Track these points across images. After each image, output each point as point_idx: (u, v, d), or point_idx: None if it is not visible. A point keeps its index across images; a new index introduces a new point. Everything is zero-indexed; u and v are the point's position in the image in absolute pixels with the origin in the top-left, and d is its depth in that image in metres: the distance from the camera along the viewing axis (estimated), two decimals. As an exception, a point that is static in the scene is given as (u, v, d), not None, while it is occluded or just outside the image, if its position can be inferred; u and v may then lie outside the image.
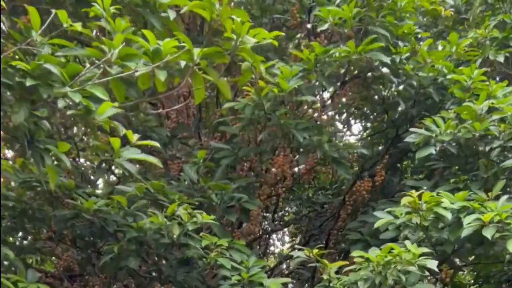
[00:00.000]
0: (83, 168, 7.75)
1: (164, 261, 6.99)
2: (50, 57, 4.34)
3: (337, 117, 9.81)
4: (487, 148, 6.67)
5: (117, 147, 4.65)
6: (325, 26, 7.03)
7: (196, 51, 4.80)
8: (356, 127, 10.43)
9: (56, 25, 4.71)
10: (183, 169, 7.08)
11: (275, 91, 6.64)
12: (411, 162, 9.18)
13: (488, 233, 5.94)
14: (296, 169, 9.24)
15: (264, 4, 7.98)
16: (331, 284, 6.23)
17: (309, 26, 7.70)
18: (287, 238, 11.89)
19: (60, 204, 6.80)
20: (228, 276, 6.36)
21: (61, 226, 7.06)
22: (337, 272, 6.32)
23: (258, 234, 9.02)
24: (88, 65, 4.55)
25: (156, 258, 7.06)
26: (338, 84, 7.84)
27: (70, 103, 4.36)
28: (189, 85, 7.90)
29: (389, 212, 6.44)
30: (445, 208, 6.12)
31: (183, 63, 4.70)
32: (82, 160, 8.58)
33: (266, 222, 9.14)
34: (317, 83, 7.14)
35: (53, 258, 8.82)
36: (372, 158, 8.88)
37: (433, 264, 5.76)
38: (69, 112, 4.37)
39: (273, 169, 7.89)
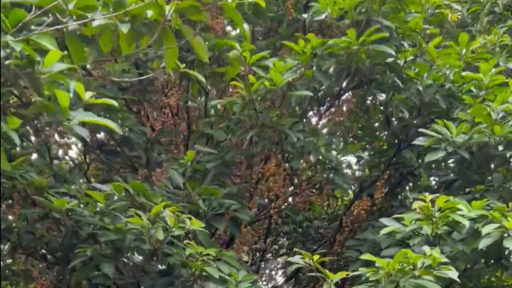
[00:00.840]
0: (55, 167, 6.46)
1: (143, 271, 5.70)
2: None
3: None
4: (508, 155, 5.52)
5: (65, 105, 3.43)
6: (323, 16, 5.96)
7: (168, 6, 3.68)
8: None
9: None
10: (169, 174, 5.84)
11: (266, 85, 5.47)
12: (413, 184, 7.99)
13: (510, 243, 4.86)
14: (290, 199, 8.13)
15: (258, 7, 6.81)
16: (332, 296, 5.01)
17: (305, 16, 6.49)
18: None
19: (29, 205, 5.57)
20: (215, 290, 5.13)
21: (29, 237, 5.97)
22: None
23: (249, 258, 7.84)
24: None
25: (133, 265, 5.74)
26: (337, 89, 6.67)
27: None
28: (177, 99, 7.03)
29: (396, 220, 5.27)
30: (462, 216, 4.93)
31: (150, 13, 3.55)
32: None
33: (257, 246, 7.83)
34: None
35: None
36: (370, 177, 7.71)
37: (454, 274, 4.55)
38: (7, 62, 3.35)
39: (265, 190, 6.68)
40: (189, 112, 7.29)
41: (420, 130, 5.86)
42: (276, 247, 9.15)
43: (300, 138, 5.72)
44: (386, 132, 7.88)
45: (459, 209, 5.03)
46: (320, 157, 5.89)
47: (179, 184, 5.70)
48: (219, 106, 7.46)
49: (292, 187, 8.03)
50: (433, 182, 7.84)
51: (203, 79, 5.69)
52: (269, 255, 8.91)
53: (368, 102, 8.00)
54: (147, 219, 4.91)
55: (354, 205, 7.29)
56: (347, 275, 5.20)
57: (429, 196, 5.00)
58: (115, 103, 3.76)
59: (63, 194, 5.67)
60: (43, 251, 6.35)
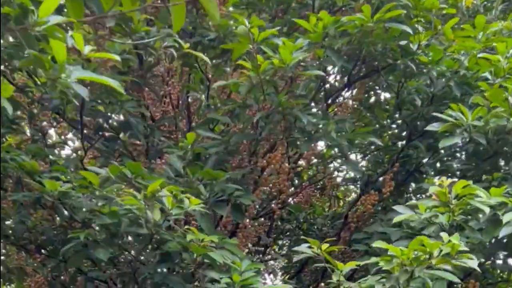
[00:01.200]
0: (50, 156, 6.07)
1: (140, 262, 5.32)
2: None
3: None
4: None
5: (62, 58, 3.04)
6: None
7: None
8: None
9: None
10: (168, 160, 5.47)
11: (275, 63, 5.11)
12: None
13: (532, 232, 4.49)
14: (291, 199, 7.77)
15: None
16: (340, 288, 4.66)
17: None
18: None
19: (20, 190, 5.19)
20: (217, 279, 4.75)
21: (21, 227, 5.61)
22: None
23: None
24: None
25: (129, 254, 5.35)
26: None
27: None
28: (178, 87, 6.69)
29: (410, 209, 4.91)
30: (481, 202, 4.57)
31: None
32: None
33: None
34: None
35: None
36: (377, 173, 7.33)
37: (474, 263, 4.19)
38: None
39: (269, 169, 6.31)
40: (189, 106, 6.94)
41: (434, 114, 5.50)
42: (277, 249, 8.81)
43: (311, 121, 5.37)
44: (394, 125, 7.56)
45: (477, 196, 4.69)
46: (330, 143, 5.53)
47: (179, 169, 5.32)
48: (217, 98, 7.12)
49: (293, 188, 7.69)
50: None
51: (207, 60, 5.34)
52: (268, 257, 8.53)
53: (372, 100, 7.71)
54: (143, 198, 4.54)
55: (361, 200, 6.94)
56: (358, 265, 4.87)
57: (446, 181, 4.64)
58: (117, 57, 3.41)
59: (57, 179, 5.31)
60: (37, 242, 5.99)
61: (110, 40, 5.35)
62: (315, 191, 8.12)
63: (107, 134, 6.26)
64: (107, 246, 4.88)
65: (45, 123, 6.55)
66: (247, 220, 6.48)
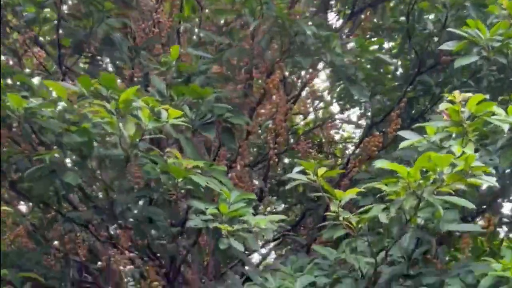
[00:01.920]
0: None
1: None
2: None
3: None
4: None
5: None
6: None
7: None
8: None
9: None
10: (151, 80, 4.98)
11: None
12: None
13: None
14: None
15: None
16: (340, 219, 4.18)
17: None
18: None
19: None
20: (202, 210, 4.27)
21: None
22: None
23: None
24: None
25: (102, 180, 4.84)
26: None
27: None
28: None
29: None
30: (500, 120, 4.10)
31: None
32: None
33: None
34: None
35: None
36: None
37: (491, 179, 3.72)
38: None
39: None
40: (179, 36, 6.46)
41: (449, 30, 4.99)
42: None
43: (314, 32, 4.88)
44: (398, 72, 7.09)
45: (495, 114, 4.19)
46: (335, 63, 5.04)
47: (162, 90, 4.80)
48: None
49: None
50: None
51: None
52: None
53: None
54: (115, 111, 4.03)
55: (364, 142, 6.49)
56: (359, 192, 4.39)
57: (459, 95, 4.14)
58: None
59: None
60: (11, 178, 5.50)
61: None
62: (312, 147, 7.68)
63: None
64: (77, 170, 4.40)
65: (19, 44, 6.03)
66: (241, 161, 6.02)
